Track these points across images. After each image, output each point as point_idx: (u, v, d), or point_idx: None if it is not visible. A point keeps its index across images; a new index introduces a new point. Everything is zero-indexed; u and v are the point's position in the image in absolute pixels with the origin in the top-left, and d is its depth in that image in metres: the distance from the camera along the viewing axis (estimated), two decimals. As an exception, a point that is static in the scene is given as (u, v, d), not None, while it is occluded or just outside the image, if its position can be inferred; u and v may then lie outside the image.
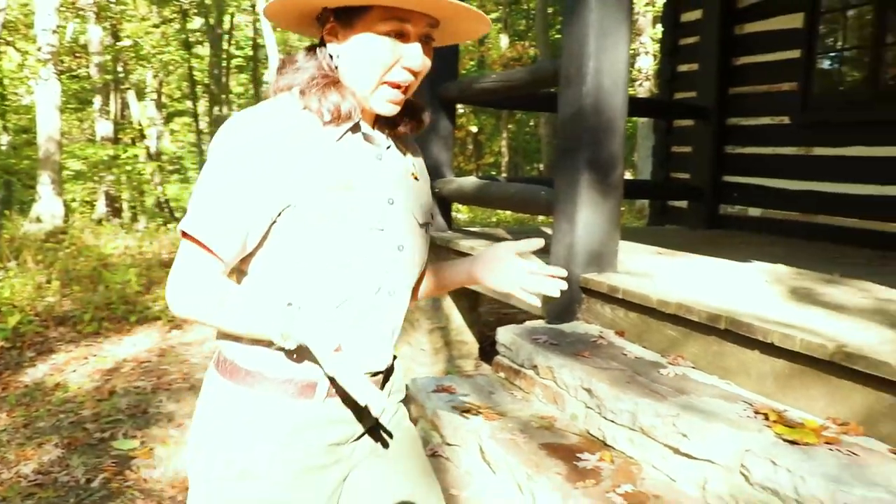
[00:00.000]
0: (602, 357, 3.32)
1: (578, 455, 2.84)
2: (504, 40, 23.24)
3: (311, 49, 1.44)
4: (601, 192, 3.80)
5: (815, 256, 5.00)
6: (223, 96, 25.63)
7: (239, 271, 1.43)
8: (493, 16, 24.14)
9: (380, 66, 1.34)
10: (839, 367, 2.60)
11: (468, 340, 5.63)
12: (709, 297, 3.36)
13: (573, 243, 3.85)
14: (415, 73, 1.37)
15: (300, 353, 1.39)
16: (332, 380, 1.41)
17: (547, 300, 4.10)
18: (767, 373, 2.89)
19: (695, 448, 2.55)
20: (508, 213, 13.44)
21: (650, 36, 16.15)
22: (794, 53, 6.36)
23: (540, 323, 3.97)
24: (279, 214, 1.33)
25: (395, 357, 1.62)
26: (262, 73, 26.24)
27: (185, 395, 5.03)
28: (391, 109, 1.40)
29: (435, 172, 5.55)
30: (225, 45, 26.02)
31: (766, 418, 2.62)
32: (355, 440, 1.52)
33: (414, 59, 1.35)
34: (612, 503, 2.49)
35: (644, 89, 16.28)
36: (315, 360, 1.39)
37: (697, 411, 2.67)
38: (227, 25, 26.22)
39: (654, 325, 3.46)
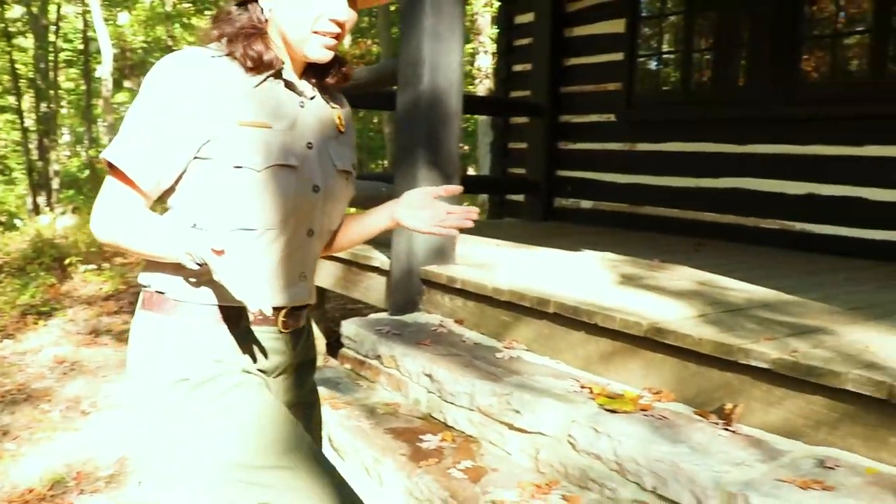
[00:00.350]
0: (442, 344, 3.50)
1: (422, 437, 3.00)
2: (347, 37, 23.30)
3: (244, 4, 1.56)
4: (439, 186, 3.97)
5: (640, 244, 5.40)
6: (51, 92, 24.30)
7: (164, 208, 1.53)
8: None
9: (308, 17, 1.48)
10: (652, 341, 2.89)
11: (315, 336, 5.70)
12: (541, 284, 3.60)
13: (413, 237, 4.01)
14: (341, 24, 1.51)
15: (204, 277, 1.48)
16: (225, 309, 1.51)
17: (389, 294, 4.24)
18: (592, 351, 3.15)
19: (527, 423, 2.76)
20: (352, 209, 13.47)
21: (489, 36, 16.61)
22: (619, 56, 6.80)
23: (383, 315, 4.12)
24: (198, 150, 1.45)
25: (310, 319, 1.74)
26: (93, 68, 25.04)
27: (21, 406, 4.84)
28: (325, 54, 1.53)
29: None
30: (52, 38, 24.66)
31: (591, 392, 2.87)
32: (277, 376, 1.63)
33: (339, 11, 1.50)
34: (453, 478, 2.66)
35: (484, 87, 16.72)
36: (219, 286, 1.49)
37: (529, 389, 2.89)
38: (52, 16, 24.85)
39: (490, 312, 3.67)
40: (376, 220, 1.78)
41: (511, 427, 2.83)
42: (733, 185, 5.94)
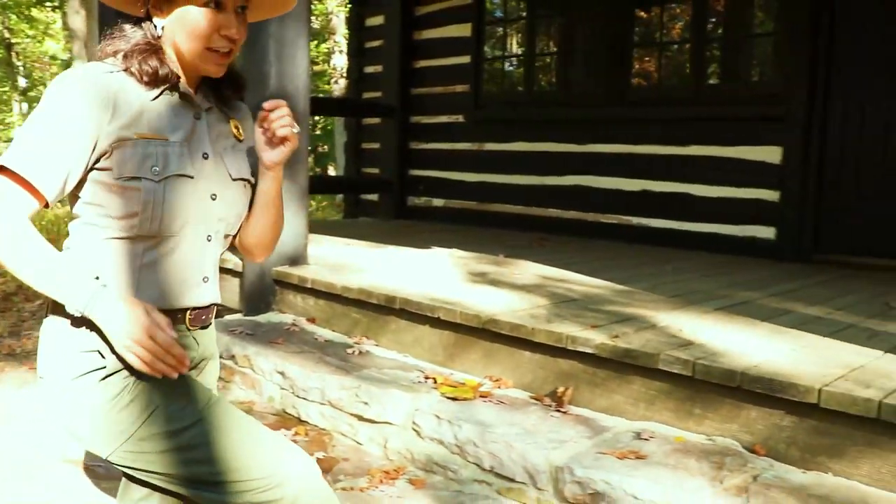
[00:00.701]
0: (295, 343, 3.59)
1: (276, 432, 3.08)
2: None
3: (138, 21, 1.61)
4: (287, 190, 4.06)
5: (488, 240, 5.64)
6: None
7: (72, 217, 1.56)
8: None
9: (202, 34, 1.55)
10: (491, 333, 3.09)
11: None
12: (389, 282, 3.75)
13: (265, 238, 4.08)
14: (233, 40, 1.58)
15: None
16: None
17: (242, 295, 4.29)
18: (437, 343, 3.32)
19: (375, 413, 2.90)
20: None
21: (343, 35, 16.65)
22: (466, 59, 7.05)
23: (237, 316, 4.16)
24: (98, 161, 1.50)
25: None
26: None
27: None
28: (218, 70, 1.60)
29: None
30: None
31: (435, 382, 3.04)
32: (191, 368, 1.69)
33: (230, 27, 1.57)
34: (306, 471, 2.76)
35: (340, 86, 16.76)
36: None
37: (377, 382, 3.03)
38: None
39: (340, 310, 3.79)
40: (262, 185, 1.80)
41: (361, 418, 2.96)
42: (575, 183, 6.29)
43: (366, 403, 2.93)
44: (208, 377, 1.81)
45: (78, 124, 1.47)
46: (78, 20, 13.68)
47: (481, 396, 2.88)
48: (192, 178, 1.58)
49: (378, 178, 7.72)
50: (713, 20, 5.76)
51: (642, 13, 6.07)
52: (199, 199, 1.61)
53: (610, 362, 2.75)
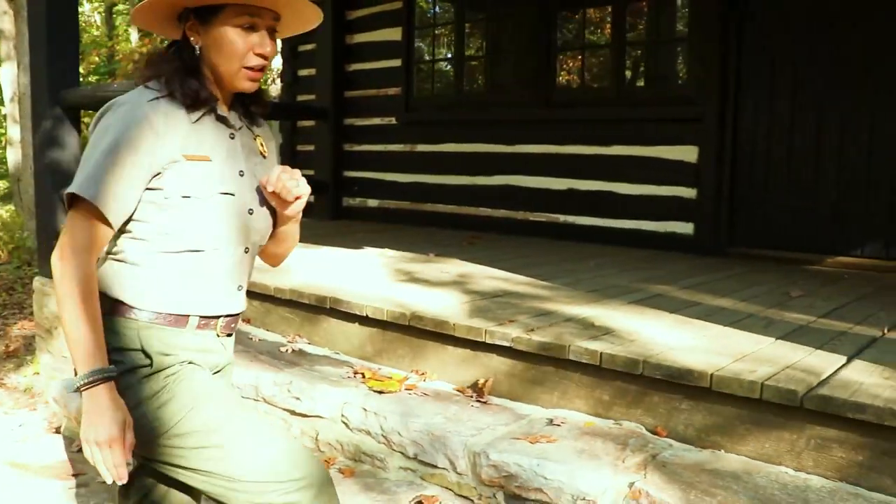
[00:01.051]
0: (229, 342, 3.71)
1: (211, 430, 3.20)
2: (135, 35, 22.41)
3: (175, 44, 1.73)
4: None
5: (421, 240, 5.81)
6: None
7: (121, 231, 1.66)
8: (121, 8, 23.18)
9: (238, 53, 1.68)
10: (416, 329, 3.26)
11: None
12: (321, 282, 3.89)
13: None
14: (266, 57, 1.71)
15: (153, 291, 1.66)
16: (174, 316, 1.69)
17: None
18: (366, 340, 3.48)
19: (307, 407, 3.05)
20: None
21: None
22: (397, 62, 7.21)
23: (173, 318, 4.25)
24: (151, 181, 1.62)
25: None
26: None
27: None
28: (252, 86, 1.74)
29: (65, 182, 5.51)
30: None
31: (363, 377, 3.20)
32: (215, 373, 1.81)
33: (264, 45, 1.69)
34: (240, 464, 2.90)
35: (277, 87, 16.76)
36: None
37: (308, 377, 3.18)
38: None
39: (274, 310, 3.93)
40: (283, 227, 1.91)
41: (293, 413, 3.10)
42: (505, 182, 6.50)
43: (298, 398, 3.07)
44: (230, 379, 1.95)
45: (133, 153, 1.59)
46: (6, 20, 13.41)
47: (407, 389, 3.05)
48: (233, 195, 1.72)
49: (314, 180, 7.82)
50: (633, 24, 6.02)
51: (567, 13, 6.29)
52: (239, 214, 1.74)
53: (526, 354, 2.94)
